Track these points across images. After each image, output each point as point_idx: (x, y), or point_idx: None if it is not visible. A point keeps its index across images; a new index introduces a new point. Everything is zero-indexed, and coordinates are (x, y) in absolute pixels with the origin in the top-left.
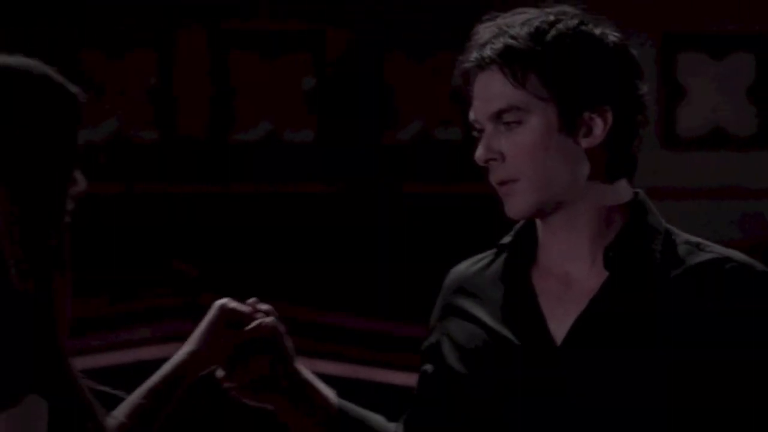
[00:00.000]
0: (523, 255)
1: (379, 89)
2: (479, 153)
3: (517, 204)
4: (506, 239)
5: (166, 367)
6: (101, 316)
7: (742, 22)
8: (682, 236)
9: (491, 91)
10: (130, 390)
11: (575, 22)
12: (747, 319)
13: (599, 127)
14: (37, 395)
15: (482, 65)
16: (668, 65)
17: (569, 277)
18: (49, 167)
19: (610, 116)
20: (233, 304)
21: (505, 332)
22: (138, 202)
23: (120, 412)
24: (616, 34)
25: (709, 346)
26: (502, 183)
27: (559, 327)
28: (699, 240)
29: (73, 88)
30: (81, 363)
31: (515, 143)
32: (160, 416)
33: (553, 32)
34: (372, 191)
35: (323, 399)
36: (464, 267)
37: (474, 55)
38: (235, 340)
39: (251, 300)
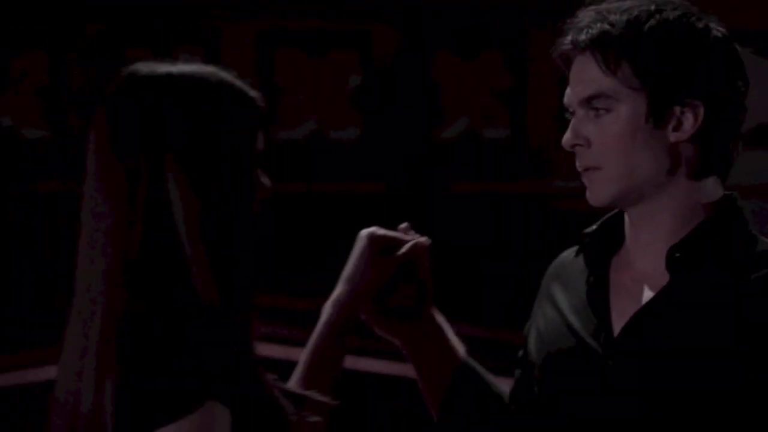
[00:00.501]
0: (606, 245)
1: (426, 87)
2: (566, 137)
3: (598, 192)
4: (590, 229)
5: (323, 318)
6: None
7: (736, 18)
8: (763, 242)
9: (584, 76)
10: None
11: (677, 13)
12: None
13: (689, 122)
14: (216, 402)
15: (577, 49)
16: None
17: (643, 272)
18: (235, 167)
19: (701, 112)
20: (381, 231)
21: (574, 321)
22: None
23: (294, 381)
24: (721, 29)
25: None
26: (586, 169)
27: (619, 322)
28: None
29: (253, 93)
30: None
31: (602, 130)
32: (337, 368)
33: (651, 22)
34: (419, 190)
35: (452, 347)
36: (566, 254)
37: (570, 38)
38: (390, 266)
39: (402, 226)
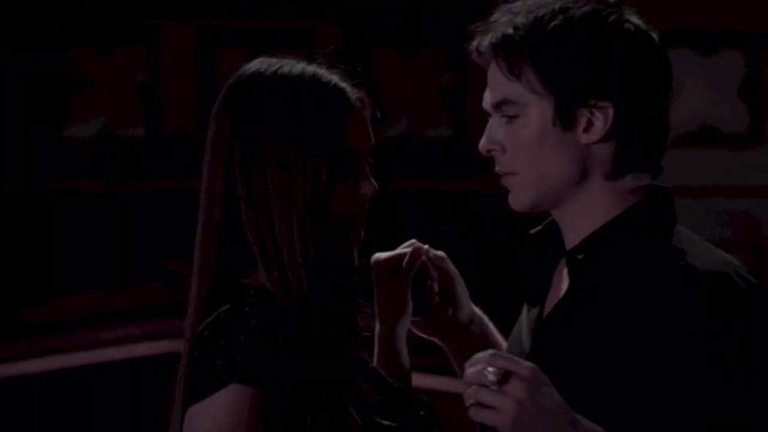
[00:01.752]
0: (554, 244)
1: (367, 86)
2: (481, 142)
3: (516, 197)
4: (536, 229)
5: (376, 352)
6: (88, 313)
7: (732, 18)
8: (682, 241)
9: (492, 81)
10: (112, 386)
11: (585, 10)
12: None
13: (599, 123)
14: (244, 384)
15: (481, 55)
16: None
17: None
18: (319, 155)
19: (611, 112)
20: (383, 255)
21: (524, 319)
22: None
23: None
24: (636, 24)
25: (648, 365)
26: (503, 174)
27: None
28: (691, 246)
29: (342, 85)
30: (70, 360)
31: (513, 136)
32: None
33: (555, 22)
34: None
35: (490, 336)
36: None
37: (475, 43)
38: (402, 283)
39: (407, 243)
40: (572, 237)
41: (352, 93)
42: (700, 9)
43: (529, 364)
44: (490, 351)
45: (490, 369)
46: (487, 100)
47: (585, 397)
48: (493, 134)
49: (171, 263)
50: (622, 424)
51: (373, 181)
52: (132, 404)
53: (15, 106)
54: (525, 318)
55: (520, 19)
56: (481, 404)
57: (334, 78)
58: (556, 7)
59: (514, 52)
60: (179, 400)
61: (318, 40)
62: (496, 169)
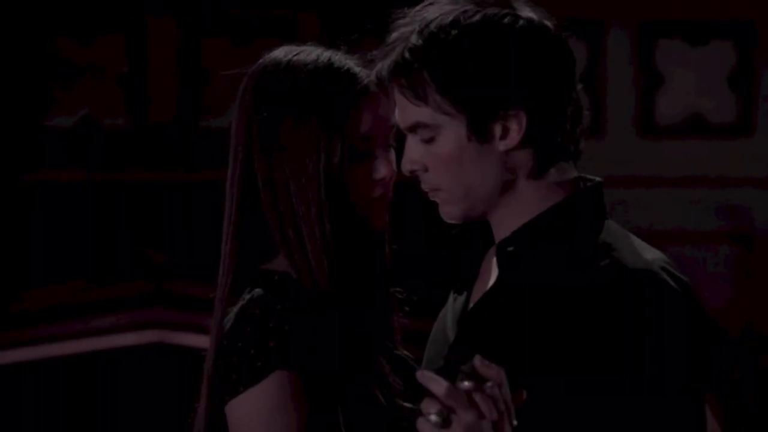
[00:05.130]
0: (484, 236)
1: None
2: (403, 166)
3: (446, 212)
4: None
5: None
6: (70, 303)
7: (721, 8)
8: (611, 235)
9: (401, 104)
10: (95, 376)
11: (476, 19)
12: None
13: (515, 130)
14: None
15: (381, 81)
16: (646, 52)
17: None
18: (332, 142)
19: (524, 119)
20: None
21: (449, 308)
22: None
23: None
24: (529, 17)
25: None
26: (429, 191)
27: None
28: (620, 242)
29: (357, 69)
30: (50, 350)
31: (431, 156)
32: None
33: (449, 38)
34: None
35: None
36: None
37: (375, 71)
38: None
39: None
40: (502, 232)
41: (368, 77)
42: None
43: (471, 414)
44: (445, 385)
45: (433, 410)
46: (399, 122)
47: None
48: (413, 155)
49: (153, 253)
50: (540, 420)
51: (393, 164)
52: (117, 394)
53: None
54: (450, 306)
55: (414, 40)
56: None
57: (349, 63)
58: (448, 20)
59: (416, 76)
60: (206, 393)
61: (299, 29)
62: (422, 186)
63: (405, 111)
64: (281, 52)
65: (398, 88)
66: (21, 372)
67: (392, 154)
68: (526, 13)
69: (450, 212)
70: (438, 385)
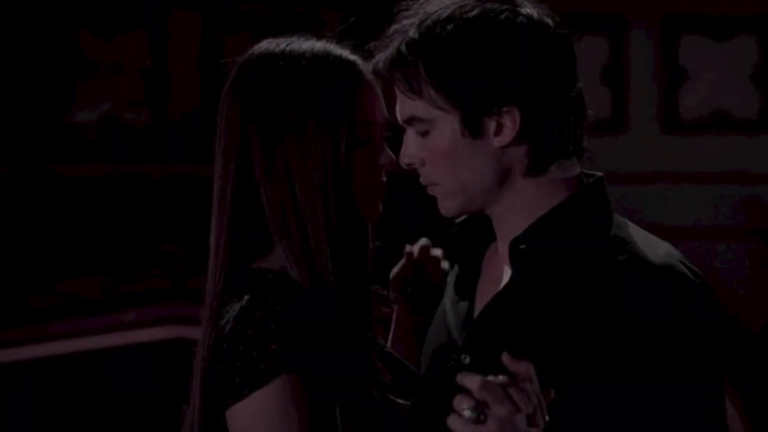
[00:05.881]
0: (483, 234)
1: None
2: (400, 157)
3: (443, 206)
4: (461, 218)
5: (392, 335)
6: (93, 298)
7: (745, 3)
8: (622, 230)
9: (400, 97)
10: (119, 371)
11: (474, 13)
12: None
13: (509, 126)
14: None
15: (378, 73)
16: (669, 48)
17: (504, 260)
18: (330, 132)
19: (517, 116)
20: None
21: (450, 316)
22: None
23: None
24: (528, 14)
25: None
26: (427, 185)
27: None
28: (632, 236)
29: (353, 57)
30: (72, 345)
31: (428, 150)
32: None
33: (445, 32)
34: None
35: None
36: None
37: (374, 63)
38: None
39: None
40: (506, 231)
41: (364, 65)
42: None
43: (505, 407)
44: (479, 379)
45: (465, 406)
46: (398, 114)
47: None
48: (410, 148)
49: (173, 249)
50: (572, 421)
51: (390, 152)
52: (136, 389)
53: (20, 91)
54: (450, 308)
55: (412, 33)
56: None
57: (344, 52)
58: (445, 14)
59: (411, 70)
60: (199, 395)
61: (321, 26)
62: (420, 180)
63: (403, 104)
64: (270, 44)
65: (396, 81)
66: (44, 367)
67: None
68: (526, 9)
69: (447, 207)
70: (472, 379)
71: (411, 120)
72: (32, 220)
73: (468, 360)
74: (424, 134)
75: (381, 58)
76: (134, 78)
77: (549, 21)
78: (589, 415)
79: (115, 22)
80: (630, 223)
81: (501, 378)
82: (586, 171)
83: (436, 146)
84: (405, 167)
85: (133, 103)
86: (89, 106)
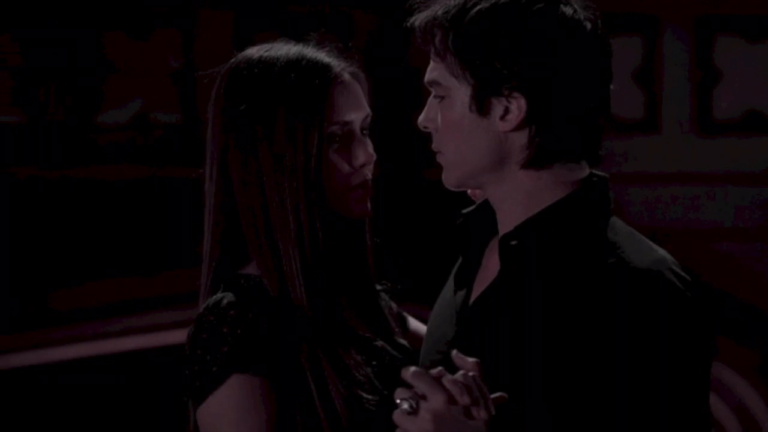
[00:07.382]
0: (489, 223)
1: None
2: (420, 118)
3: (445, 176)
4: (469, 209)
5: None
6: (124, 299)
7: None
8: (617, 233)
9: (431, 61)
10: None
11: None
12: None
13: (514, 112)
14: (246, 374)
15: (412, 31)
16: (703, 48)
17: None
18: (304, 134)
19: (523, 103)
20: None
21: (449, 299)
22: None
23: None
24: (567, 12)
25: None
26: (436, 152)
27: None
28: (626, 240)
29: (327, 59)
30: (105, 347)
31: (441, 116)
32: None
33: (477, 9)
34: None
35: None
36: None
37: (410, 19)
38: None
39: None
40: (504, 222)
41: (340, 66)
42: None
43: (439, 398)
44: (411, 370)
45: (402, 398)
46: (426, 75)
47: (504, 386)
48: (428, 112)
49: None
50: (542, 415)
51: (371, 149)
52: (163, 392)
53: (50, 92)
54: (450, 300)
55: (450, 4)
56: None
57: (320, 54)
58: None
59: (438, 35)
60: (188, 400)
61: (354, 26)
62: (432, 146)
63: (431, 66)
64: (253, 50)
65: (425, 42)
66: (68, 369)
67: (369, 142)
68: (566, 8)
69: (446, 177)
70: (406, 370)
71: (432, 83)
72: (61, 220)
73: (454, 353)
74: (441, 101)
75: (420, 16)
76: (166, 78)
77: (587, 24)
78: (562, 409)
79: (147, 22)
80: (629, 228)
81: (436, 370)
82: (595, 172)
83: (445, 114)
84: (421, 129)
85: (165, 104)
86: (121, 106)
